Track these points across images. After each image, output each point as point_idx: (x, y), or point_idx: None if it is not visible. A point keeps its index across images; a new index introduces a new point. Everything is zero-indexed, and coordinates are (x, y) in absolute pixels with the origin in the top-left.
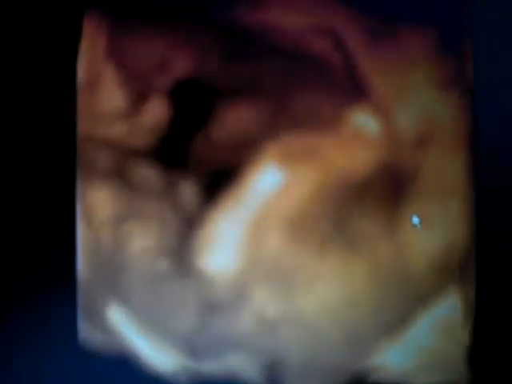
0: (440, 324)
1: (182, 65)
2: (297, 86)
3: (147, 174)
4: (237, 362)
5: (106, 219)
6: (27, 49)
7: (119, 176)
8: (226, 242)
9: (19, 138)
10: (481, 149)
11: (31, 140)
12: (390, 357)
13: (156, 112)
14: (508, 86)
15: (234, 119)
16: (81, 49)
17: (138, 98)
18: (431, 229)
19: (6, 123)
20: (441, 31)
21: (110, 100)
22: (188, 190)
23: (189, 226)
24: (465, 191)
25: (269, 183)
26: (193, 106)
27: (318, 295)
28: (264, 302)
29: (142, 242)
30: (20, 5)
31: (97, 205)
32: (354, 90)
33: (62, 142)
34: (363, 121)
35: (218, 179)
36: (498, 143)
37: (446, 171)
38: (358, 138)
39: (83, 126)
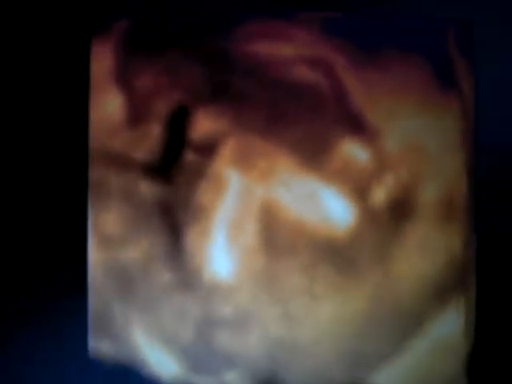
0: (439, 345)
1: (174, 93)
2: (286, 116)
3: (148, 188)
4: (233, 379)
5: (115, 232)
6: (41, 68)
7: (124, 191)
8: (221, 252)
9: (32, 154)
10: (479, 171)
11: (41, 153)
12: (388, 377)
13: (153, 133)
14: (508, 113)
15: (226, 148)
16: (90, 70)
17: (138, 120)
18: (429, 250)
19: (18, 141)
20: (432, 58)
21: (112, 118)
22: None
23: (184, 237)
24: (463, 213)
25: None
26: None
27: (316, 317)
28: (263, 319)
29: (148, 253)
30: (32, 28)
31: (106, 218)
32: (345, 119)
33: (74, 158)
34: (353, 151)
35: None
36: (498, 168)
37: (444, 195)
38: (348, 167)
39: (93, 142)
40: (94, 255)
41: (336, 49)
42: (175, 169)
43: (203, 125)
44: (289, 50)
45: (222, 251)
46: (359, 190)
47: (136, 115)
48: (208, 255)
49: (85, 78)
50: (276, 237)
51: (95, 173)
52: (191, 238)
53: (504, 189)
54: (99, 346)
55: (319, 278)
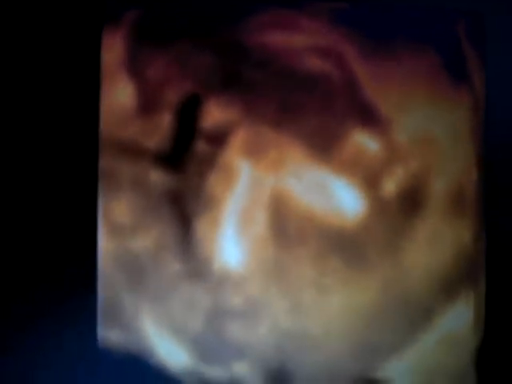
0: (448, 338)
1: (184, 83)
2: (297, 107)
3: (159, 177)
4: (242, 370)
5: (125, 222)
6: (52, 58)
7: (135, 180)
8: (230, 242)
9: (41, 144)
10: (489, 164)
11: (51, 143)
12: (397, 371)
13: (164, 122)
14: None
15: (237, 138)
16: (101, 58)
17: (149, 109)
18: (438, 242)
19: (28, 131)
20: (442, 49)
21: (123, 107)
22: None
23: (194, 227)
24: (473, 206)
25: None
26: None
27: (325, 308)
28: (273, 311)
29: (158, 243)
30: (44, 17)
31: (116, 208)
32: (356, 110)
33: (84, 147)
34: (364, 141)
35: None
36: (508, 159)
37: (454, 188)
38: (358, 158)
39: (103, 132)
40: (104, 244)
41: (346, 39)
42: (186, 158)
43: (214, 114)
44: (299, 41)
45: (231, 241)
46: (369, 181)
47: (147, 104)
48: (218, 245)
49: (96, 68)
50: (286, 227)
51: (105, 162)
52: (201, 227)
53: None
54: (109, 335)
55: (329, 269)
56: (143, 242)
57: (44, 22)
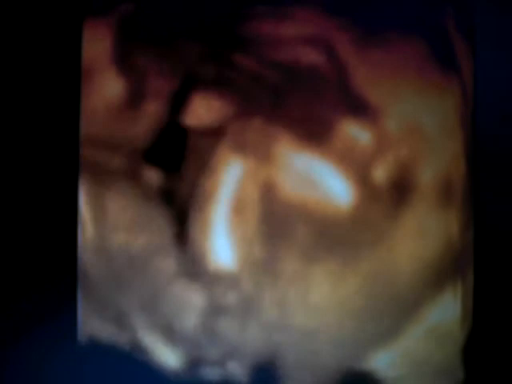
0: (435, 329)
1: (175, 76)
2: (289, 96)
3: (147, 174)
4: (235, 369)
5: (110, 217)
6: (29, 50)
7: (122, 177)
8: (221, 239)
9: (23, 139)
10: (479, 154)
11: (34, 140)
12: (383, 363)
13: (154, 115)
14: (509, 94)
15: (227, 134)
16: (84, 50)
17: (138, 100)
18: (426, 234)
19: (8, 126)
20: (431, 38)
21: (110, 98)
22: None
23: (187, 224)
24: (461, 196)
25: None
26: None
27: (312, 302)
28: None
29: (146, 240)
30: (22, 9)
31: (100, 206)
32: (346, 100)
33: (65, 143)
34: (354, 132)
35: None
36: (497, 149)
37: (442, 178)
38: (349, 148)
39: (84, 126)
40: (90, 240)
41: (336, 28)
42: (175, 155)
43: (204, 108)
44: (291, 30)
45: (222, 239)
46: (359, 171)
47: (134, 99)
48: (209, 243)
49: (77, 62)
50: (277, 221)
51: (90, 157)
52: (193, 225)
53: (504, 173)
54: (98, 331)
55: (317, 261)
56: (133, 239)
57: (26, 14)
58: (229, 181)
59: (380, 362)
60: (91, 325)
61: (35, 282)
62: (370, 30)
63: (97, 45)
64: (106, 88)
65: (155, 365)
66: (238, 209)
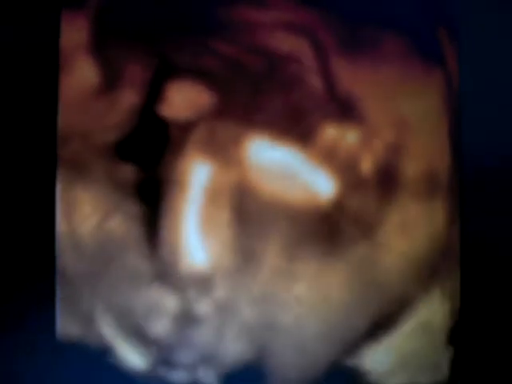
0: (422, 325)
1: (156, 59)
2: (269, 86)
3: (122, 170)
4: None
5: (85, 214)
6: (7, 41)
7: (97, 173)
8: (193, 241)
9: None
10: (465, 150)
11: (11, 135)
12: (372, 357)
13: (129, 105)
14: (494, 93)
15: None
16: (60, 43)
17: (113, 88)
18: (413, 229)
19: None
20: (416, 33)
21: (85, 89)
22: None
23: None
24: (448, 191)
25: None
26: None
27: (298, 297)
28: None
29: (120, 239)
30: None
31: (76, 202)
32: (326, 93)
33: (43, 138)
34: (337, 125)
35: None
36: (483, 145)
37: (426, 170)
38: (331, 143)
39: (61, 120)
40: (64, 239)
41: (318, 21)
42: (150, 147)
43: (180, 98)
44: (271, 17)
45: (195, 240)
46: (342, 164)
47: (110, 88)
48: (182, 244)
49: (56, 52)
50: (252, 218)
51: (66, 150)
52: (166, 226)
53: (489, 166)
54: (69, 330)
55: (300, 256)
56: (106, 238)
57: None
58: (201, 177)
59: (367, 356)
60: (67, 324)
61: (13, 281)
62: (355, 24)
63: (74, 35)
64: (82, 78)
65: (123, 366)
66: (209, 210)
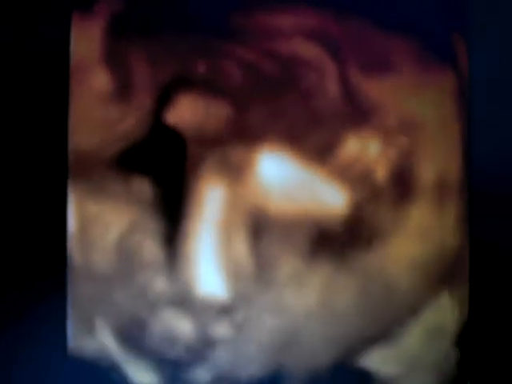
0: (431, 330)
1: (171, 66)
2: (287, 93)
3: (137, 185)
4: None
5: (98, 233)
6: (18, 48)
7: (109, 187)
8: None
9: (11, 145)
10: (475, 155)
11: (23, 147)
12: (381, 361)
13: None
14: (505, 98)
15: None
16: (71, 52)
17: (125, 96)
18: (423, 235)
19: None
20: (428, 34)
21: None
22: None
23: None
24: (458, 197)
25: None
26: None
27: (306, 303)
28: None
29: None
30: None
31: (89, 218)
32: (344, 95)
33: (55, 152)
34: (360, 143)
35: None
36: (493, 150)
37: (438, 176)
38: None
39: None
40: (77, 257)
41: (334, 22)
42: (163, 161)
43: (193, 108)
44: (289, 24)
45: (210, 264)
46: (359, 178)
47: (122, 96)
48: (198, 268)
49: (67, 58)
50: (268, 236)
51: (78, 163)
52: (181, 249)
53: (500, 174)
54: (80, 347)
55: (313, 264)
56: (123, 255)
57: (14, 12)
58: (216, 198)
59: (375, 359)
60: (78, 341)
61: (25, 298)
62: (369, 28)
63: (85, 43)
64: (94, 85)
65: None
66: (227, 227)
